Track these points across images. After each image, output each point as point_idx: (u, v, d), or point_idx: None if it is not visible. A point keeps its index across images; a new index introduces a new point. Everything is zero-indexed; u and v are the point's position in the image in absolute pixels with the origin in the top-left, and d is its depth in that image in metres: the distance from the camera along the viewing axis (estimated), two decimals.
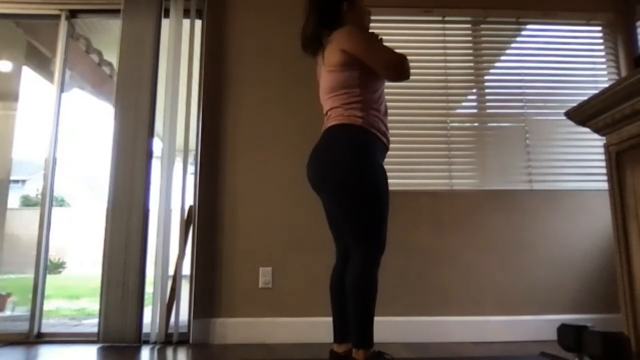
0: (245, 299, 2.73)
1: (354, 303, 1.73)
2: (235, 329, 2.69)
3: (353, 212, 1.76)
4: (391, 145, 3.01)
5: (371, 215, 1.75)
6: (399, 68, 1.82)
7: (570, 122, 1.85)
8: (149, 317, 2.70)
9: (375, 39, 1.88)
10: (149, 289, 2.73)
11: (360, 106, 1.80)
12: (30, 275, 2.83)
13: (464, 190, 2.94)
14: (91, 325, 3.55)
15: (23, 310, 3.79)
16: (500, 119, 3.12)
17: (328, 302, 1.94)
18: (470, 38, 3.18)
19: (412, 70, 3.02)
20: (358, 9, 1.95)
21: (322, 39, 1.89)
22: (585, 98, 1.71)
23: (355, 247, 1.78)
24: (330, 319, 1.92)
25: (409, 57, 3.22)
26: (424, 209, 2.88)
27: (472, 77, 3.13)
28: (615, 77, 3.11)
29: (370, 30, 1.99)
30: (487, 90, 3.13)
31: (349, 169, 1.75)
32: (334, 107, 1.85)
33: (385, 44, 1.90)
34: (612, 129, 1.66)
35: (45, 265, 2.89)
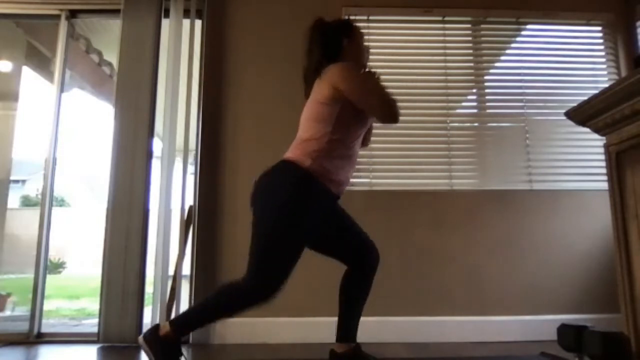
0: None
1: (207, 300, 1.77)
2: (235, 329, 2.68)
3: (259, 248, 1.72)
4: (391, 146, 3.02)
5: (273, 256, 1.71)
6: (387, 112, 1.81)
7: (570, 122, 1.84)
8: (149, 317, 2.70)
9: (369, 79, 1.86)
10: (149, 289, 2.73)
11: (322, 146, 1.75)
12: (30, 275, 2.83)
13: (464, 190, 2.94)
14: (91, 325, 3.55)
15: (23, 310, 3.78)
16: (500, 119, 3.12)
17: (328, 302, 1.95)
18: (470, 38, 3.18)
19: (412, 70, 3.08)
20: (357, 45, 1.95)
21: (321, 70, 1.85)
22: (585, 98, 1.71)
23: (248, 267, 1.74)
24: (331, 319, 1.93)
25: (409, 57, 3.22)
26: (424, 209, 2.88)
27: (472, 77, 3.13)
28: (615, 77, 3.11)
29: (368, 70, 1.98)
30: (487, 90, 3.13)
31: (273, 209, 1.71)
32: (300, 137, 1.84)
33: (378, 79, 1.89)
34: (612, 129, 1.66)
35: (45, 265, 2.89)
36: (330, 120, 1.78)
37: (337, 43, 1.91)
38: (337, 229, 1.92)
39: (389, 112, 1.80)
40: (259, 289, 1.70)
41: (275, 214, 1.71)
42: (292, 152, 1.80)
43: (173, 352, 1.73)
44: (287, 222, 1.70)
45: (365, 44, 2.01)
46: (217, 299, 1.75)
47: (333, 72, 1.79)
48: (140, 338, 1.74)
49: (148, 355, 1.71)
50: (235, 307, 1.73)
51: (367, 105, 1.80)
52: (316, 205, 1.76)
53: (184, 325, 1.76)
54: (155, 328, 1.75)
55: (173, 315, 2.71)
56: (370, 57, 2.99)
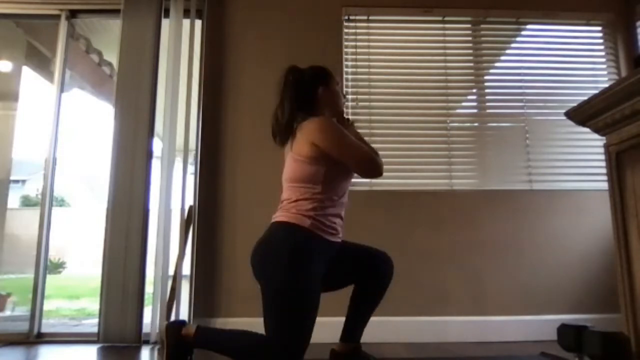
0: (245, 299, 2.73)
1: (239, 335, 1.74)
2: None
3: (271, 312, 1.67)
4: (391, 146, 3.02)
5: (287, 320, 1.65)
6: (369, 166, 1.78)
7: (570, 122, 1.84)
8: (149, 317, 2.70)
9: (346, 134, 1.78)
10: (149, 289, 2.73)
11: (315, 205, 1.73)
12: (30, 275, 2.83)
13: (464, 190, 2.94)
14: (91, 325, 3.55)
15: (23, 310, 3.79)
16: (500, 119, 3.12)
17: (329, 302, 1.94)
18: (470, 38, 3.18)
19: (412, 70, 3.08)
20: (333, 92, 1.91)
21: (294, 124, 1.82)
22: (585, 98, 1.71)
23: (270, 331, 1.69)
24: (331, 319, 1.93)
25: (409, 57, 3.22)
26: (424, 209, 2.88)
27: (472, 77, 3.14)
28: (615, 77, 3.11)
29: (346, 118, 1.97)
30: (487, 90, 3.13)
31: (279, 276, 1.66)
32: (289, 198, 1.79)
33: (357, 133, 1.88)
34: (612, 129, 1.66)
35: (45, 265, 2.89)
36: (317, 180, 1.74)
37: (311, 93, 1.87)
38: (345, 264, 1.88)
39: (369, 167, 1.78)
40: (287, 355, 1.63)
41: (286, 278, 1.65)
42: (286, 215, 1.74)
43: (184, 351, 1.74)
44: (299, 283, 1.65)
45: (341, 91, 1.97)
46: (242, 340, 1.71)
47: (310, 128, 1.74)
48: (164, 324, 1.81)
49: (161, 344, 1.75)
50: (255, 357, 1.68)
51: (347, 159, 1.75)
52: (322, 259, 1.74)
53: (205, 338, 1.75)
54: (181, 323, 1.78)
55: (173, 316, 2.71)
56: (371, 57, 3.03)
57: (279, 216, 1.78)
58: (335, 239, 1.80)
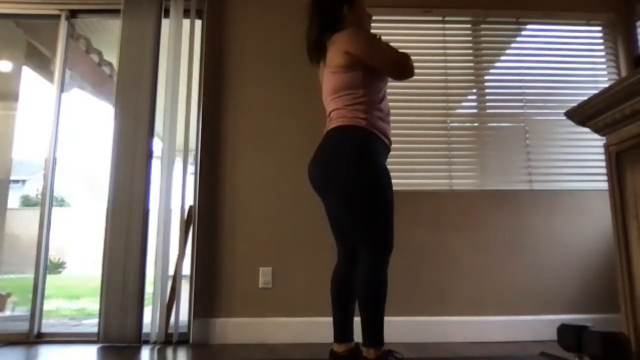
0: (245, 299, 2.73)
1: (365, 304, 1.75)
2: (235, 329, 2.69)
3: (360, 214, 1.76)
4: (392, 145, 3.02)
5: (377, 216, 1.76)
6: (402, 66, 1.85)
7: (570, 122, 1.84)
8: (149, 317, 2.70)
9: (377, 39, 1.88)
10: (149, 289, 2.73)
11: (364, 107, 1.80)
12: (30, 275, 2.83)
13: (464, 190, 2.94)
14: (91, 325, 3.55)
15: (23, 310, 3.79)
16: (500, 119, 3.12)
17: (328, 302, 1.94)
18: (470, 38, 3.18)
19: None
20: (358, 12, 1.96)
21: (325, 41, 1.89)
22: (585, 98, 1.71)
23: (363, 249, 1.79)
24: (331, 318, 1.92)
25: None
26: (424, 209, 2.88)
27: (472, 77, 3.14)
28: (615, 77, 3.11)
29: (372, 31, 2.00)
30: (487, 90, 3.13)
31: (354, 171, 1.75)
32: (337, 108, 1.85)
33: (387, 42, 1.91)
34: (612, 129, 1.66)
35: (45, 265, 2.89)
36: (357, 84, 1.81)
37: (337, 11, 1.92)
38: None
39: (402, 66, 1.85)
40: (389, 252, 1.77)
41: (364, 175, 1.74)
42: (341, 120, 1.81)
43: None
44: (379, 177, 1.76)
45: (367, 10, 2.01)
46: (376, 293, 1.75)
47: (340, 39, 1.82)
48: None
49: None
50: (386, 282, 1.76)
51: (379, 62, 1.83)
52: (384, 156, 1.84)
53: (375, 337, 1.75)
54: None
55: (173, 316, 2.71)
56: None
57: (330, 126, 1.85)
58: (388, 141, 1.88)
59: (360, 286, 1.77)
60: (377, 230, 1.76)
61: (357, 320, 1.93)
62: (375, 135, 1.80)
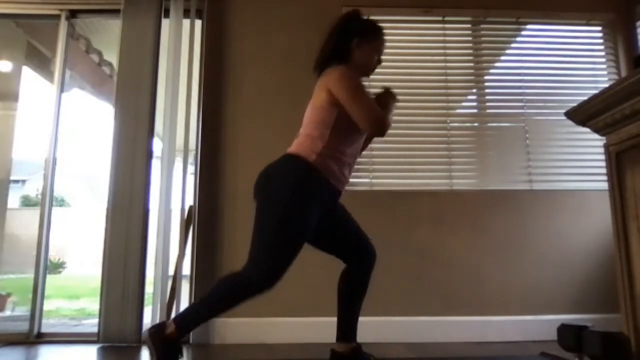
0: None
1: (207, 295, 1.77)
2: (235, 329, 2.69)
3: (257, 231, 1.76)
4: (391, 146, 3.02)
5: (269, 243, 1.74)
6: (375, 125, 1.76)
7: (570, 122, 1.84)
8: (149, 317, 2.70)
9: (362, 91, 1.79)
10: (149, 289, 2.73)
11: (322, 145, 1.77)
12: (30, 275, 2.83)
13: (464, 190, 2.94)
14: (91, 325, 3.54)
15: (23, 310, 3.79)
16: (500, 119, 3.12)
17: (328, 302, 1.95)
18: (470, 38, 3.18)
19: (412, 70, 3.08)
20: (366, 50, 1.90)
21: (326, 68, 1.85)
22: (585, 98, 1.71)
23: (248, 258, 1.78)
24: (331, 319, 1.93)
25: (409, 57, 3.23)
26: (424, 209, 2.88)
27: (472, 77, 3.13)
28: (615, 77, 3.11)
29: (386, 90, 1.95)
30: (487, 90, 3.13)
31: (276, 201, 1.73)
32: (303, 132, 1.86)
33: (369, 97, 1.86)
34: (612, 129, 1.66)
35: (45, 265, 2.89)
36: (329, 123, 1.79)
37: (345, 42, 1.88)
38: (338, 224, 1.92)
39: (374, 123, 1.75)
40: (260, 280, 1.72)
41: (281, 205, 1.72)
42: (296, 147, 1.82)
43: (173, 351, 1.74)
44: (292, 213, 1.72)
45: (379, 53, 1.95)
46: (218, 292, 1.76)
47: (329, 74, 1.80)
48: (146, 332, 1.77)
49: (150, 350, 1.73)
50: (236, 299, 1.74)
51: (355, 113, 1.75)
52: (320, 199, 1.78)
53: (186, 322, 1.76)
54: (161, 325, 1.77)
55: (173, 315, 2.71)
56: None
57: (292, 147, 1.85)
58: (337, 185, 1.84)
59: (217, 281, 1.80)
60: (261, 252, 1.74)
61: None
62: (318, 176, 1.76)
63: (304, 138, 1.84)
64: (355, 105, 1.75)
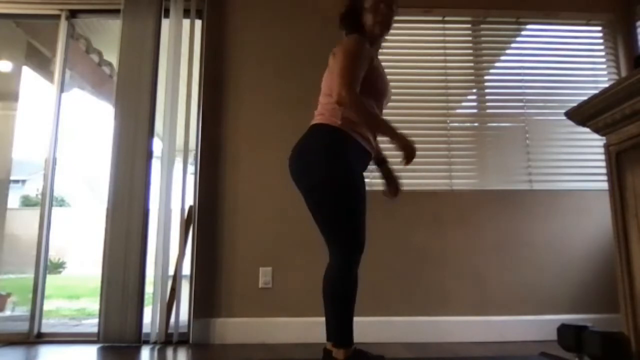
0: (245, 299, 2.73)
1: (331, 305, 1.77)
2: (235, 329, 2.69)
3: (326, 215, 1.78)
4: (391, 145, 3.01)
5: (344, 217, 1.76)
6: (341, 92, 1.72)
7: (570, 122, 1.85)
8: (149, 317, 2.70)
9: (356, 58, 1.78)
10: (149, 289, 2.73)
11: (343, 109, 1.79)
12: (30, 275, 2.84)
13: (464, 190, 2.94)
14: (91, 325, 3.55)
15: (23, 310, 3.79)
16: (500, 119, 3.12)
17: None
18: (470, 38, 3.18)
19: (412, 70, 3.08)
20: (369, 6, 1.95)
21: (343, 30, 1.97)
22: (585, 98, 1.71)
23: (331, 249, 1.80)
24: None
25: (409, 57, 3.22)
26: (424, 209, 2.88)
27: (472, 77, 3.13)
28: (615, 77, 3.11)
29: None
30: (487, 90, 3.13)
31: (320, 171, 1.76)
32: (320, 104, 1.90)
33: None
34: (612, 129, 1.66)
35: (45, 265, 2.89)
36: None
37: (356, 17, 1.95)
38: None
39: (342, 93, 1.71)
40: (358, 253, 1.76)
41: (329, 175, 1.75)
42: (320, 117, 1.85)
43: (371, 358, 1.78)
44: (344, 178, 1.76)
45: (376, 12, 1.95)
46: (333, 294, 1.76)
47: (340, 42, 1.86)
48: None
49: None
50: (354, 282, 1.76)
51: (335, 72, 1.77)
52: (358, 158, 1.83)
53: (343, 336, 1.76)
54: (332, 357, 1.77)
55: (173, 316, 2.71)
56: None
57: (312, 122, 1.88)
58: (367, 146, 1.87)
59: (326, 287, 1.78)
60: (343, 231, 1.76)
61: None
62: (349, 138, 1.79)
63: (323, 107, 1.87)
64: (339, 66, 1.77)
